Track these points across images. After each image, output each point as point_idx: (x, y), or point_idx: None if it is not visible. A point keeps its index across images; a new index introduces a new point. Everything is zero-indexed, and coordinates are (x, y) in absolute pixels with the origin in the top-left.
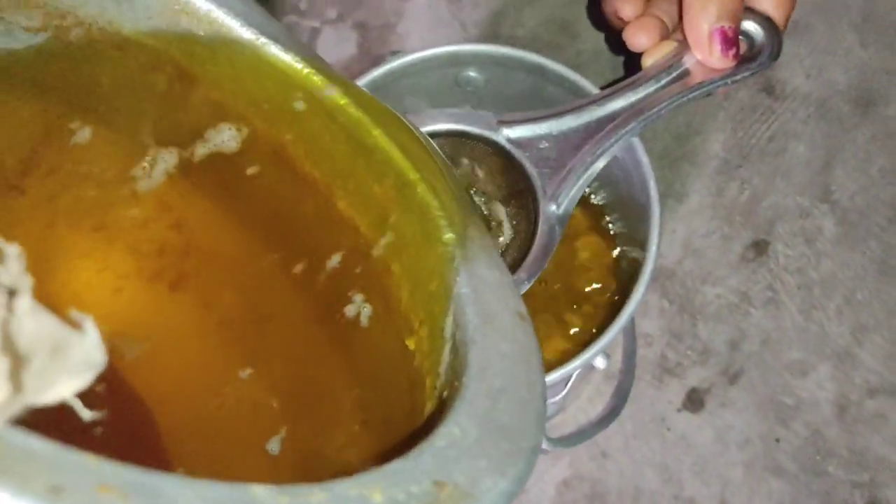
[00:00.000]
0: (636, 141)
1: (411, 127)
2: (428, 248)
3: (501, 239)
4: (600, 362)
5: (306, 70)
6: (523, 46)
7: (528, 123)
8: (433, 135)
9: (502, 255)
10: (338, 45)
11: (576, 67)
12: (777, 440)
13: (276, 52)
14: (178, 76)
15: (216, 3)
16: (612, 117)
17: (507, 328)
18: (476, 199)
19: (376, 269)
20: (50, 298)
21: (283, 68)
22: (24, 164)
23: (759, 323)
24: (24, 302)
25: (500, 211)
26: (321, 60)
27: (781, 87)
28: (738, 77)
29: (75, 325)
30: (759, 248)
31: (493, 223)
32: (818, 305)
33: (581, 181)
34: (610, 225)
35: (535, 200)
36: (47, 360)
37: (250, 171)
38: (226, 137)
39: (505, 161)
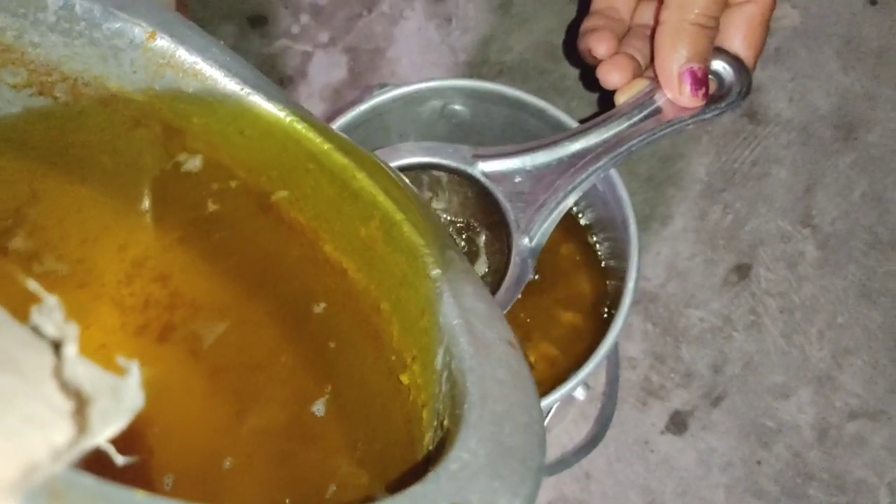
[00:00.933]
0: (615, 175)
1: (388, 170)
2: (417, 285)
3: (480, 267)
4: (580, 393)
5: (289, 118)
6: (511, 71)
7: (502, 158)
8: (411, 167)
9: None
10: (329, 69)
11: (562, 92)
12: (759, 463)
13: (259, 101)
14: (164, 130)
15: (201, 55)
16: (584, 153)
17: (500, 356)
18: (455, 229)
19: (365, 309)
20: None
21: (268, 118)
22: (9, 225)
23: (741, 346)
24: (73, 348)
25: (480, 241)
26: (302, 108)
27: (764, 112)
28: (707, 115)
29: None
30: (742, 271)
31: (472, 254)
32: (799, 329)
33: (553, 215)
34: (597, 246)
35: (508, 233)
36: (109, 402)
37: (235, 221)
38: (213, 189)
39: (480, 194)
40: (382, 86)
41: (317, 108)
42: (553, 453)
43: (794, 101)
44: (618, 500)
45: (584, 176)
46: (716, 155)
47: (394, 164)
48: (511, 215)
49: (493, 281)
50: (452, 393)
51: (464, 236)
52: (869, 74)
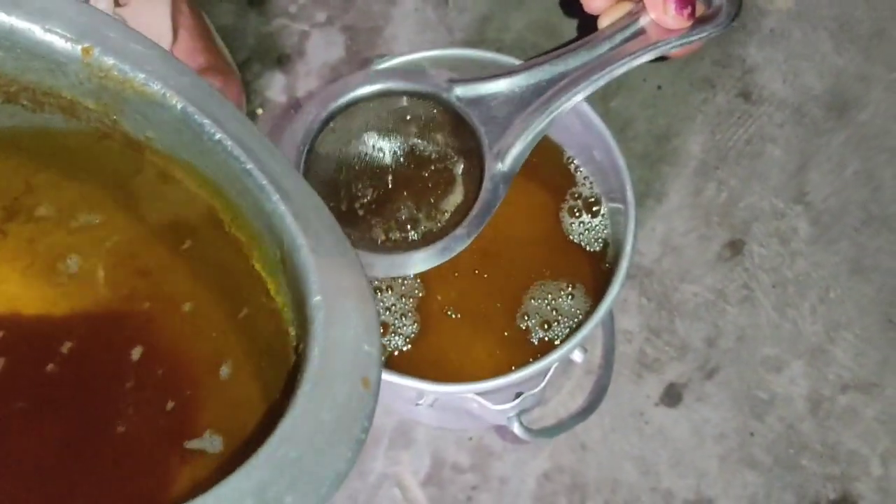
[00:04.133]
0: (612, 141)
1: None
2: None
3: (455, 198)
4: (578, 356)
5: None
6: (509, 49)
7: (480, 82)
8: (388, 93)
9: (454, 214)
10: (326, 48)
11: None
12: (752, 434)
13: (193, 112)
14: (126, 141)
15: (139, 68)
16: (563, 76)
17: (338, 395)
18: (432, 159)
19: (280, 329)
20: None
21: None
22: (8, 211)
23: (735, 320)
24: None
25: (457, 170)
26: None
27: (758, 91)
28: (693, 38)
29: None
30: (736, 247)
31: (449, 183)
32: (792, 303)
33: (529, 139)
34: (602, 214)
35: (481, 158)
36: None
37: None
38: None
39: (456, 121)
40: (381, 56)
41: (314, 87)
42: (550, 423)
43: (788, 82)
44: (613, 470)
45: (561, 99)
46: (710, 133)
47: (371, 89)
48: (485, 139)
49: (466, 207)
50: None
51: (441, 166)
52: (862, 56)
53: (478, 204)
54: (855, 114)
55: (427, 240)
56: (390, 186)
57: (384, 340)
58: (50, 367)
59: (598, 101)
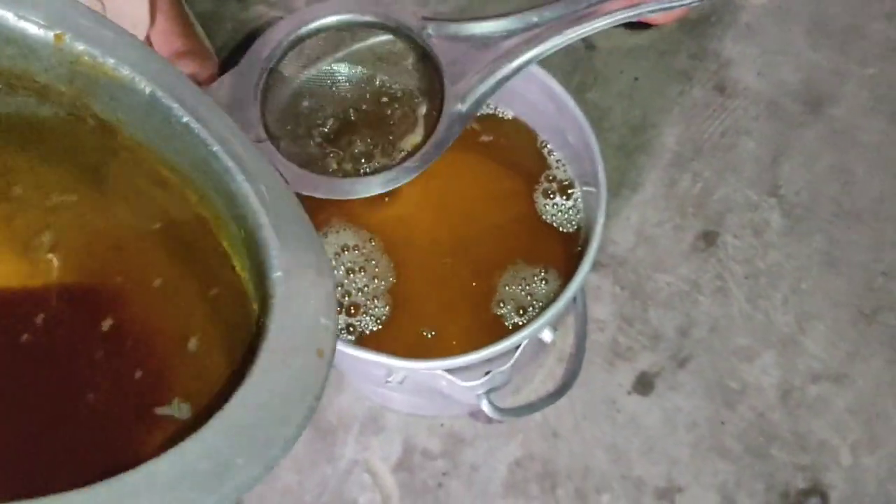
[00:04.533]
0: (587, 127)
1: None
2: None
3: (414, 138)
4: (548, 335)
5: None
6: None
7: (452, 23)
8: (358, 25)
9: (412, 154)
10: None
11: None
12: (723, 423)
13: (165, 101)
14: (99, 125)
15: (109, 53)
16: (535, 26)
17: (293, 366)
18: (396, 98)
19: (244, 303)
20: None
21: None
22: None
23: (707, 310)
24: None
25: (419, 111)
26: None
27: (734, 85)
28: (674, 4)
29: None
30: (709, 238)
31: (410, 123)
32: (764, 294)
33: (492, 83)
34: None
35: (441, 98)
36: None
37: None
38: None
39: (423, 58)
40: None
41: None
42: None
43: (763, 76)
44: (585, 457)
45: (532, 50)
46: (686, 125)
47: (343, 18)
48: (447, 78)
49: (423, 144)
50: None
51: (404, 105)
52: (836, 51)
53: (431, 139)
54: (828, 108)
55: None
56: (351, 118)
57: (355, 321)
58: (25, 337)
59: (575, 91)
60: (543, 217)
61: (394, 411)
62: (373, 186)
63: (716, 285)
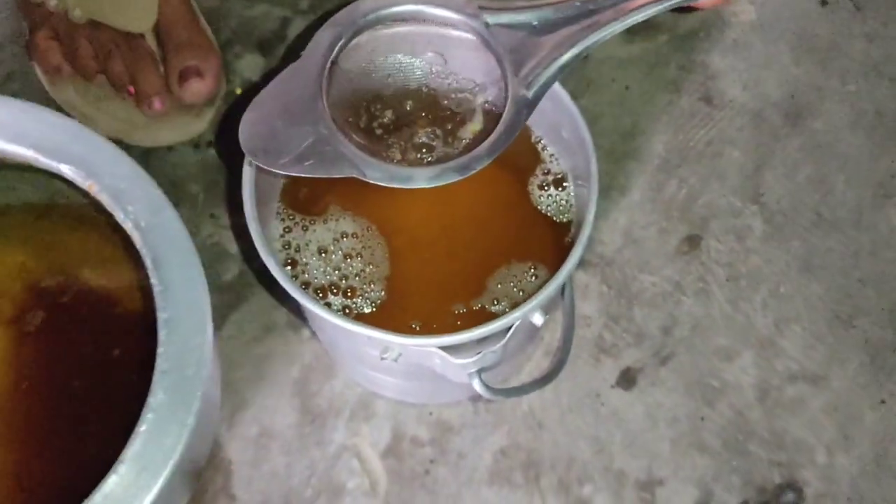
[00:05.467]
0: (581, 121)
1: None
2: None
3: (474, 127)
4: (538, 319)
5: None
6: None
7: (509, 11)
8: (415, 16)
9: (471, 143)
10: (307, 34)
11: None
12: (703, 419)
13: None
14: None
15: None
16: (593, 12)
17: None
18: (452, 88)
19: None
20: None
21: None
22: None
23: (690, 311)
24: None
25: (477, 101)
26: None
27: (720, 97)
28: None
29: None
30: (693, 241)
31: (469, 113)
32: (745, 297)
33: (554, 70)
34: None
35: (504, 89)
36: None
37: None
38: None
39: (481, 48)
40: None
41: None
42: (511, 400)
43: (748, 89)
44: (568, 448)
45: (592, 35)
46: (674, 133)
47: (401, 9)
48: (509, 66)
49: (487, 134)
50: None
51: (463, 94)
52: (818, 66)
53: (500, 126)
54: (810, 122)
55: (442, 163)
56: (410, 109)
57: (350, 302)
58: None
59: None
60: (538, 207)
61: (384, 398)
62: (449, 174)
63: (698, 287)
